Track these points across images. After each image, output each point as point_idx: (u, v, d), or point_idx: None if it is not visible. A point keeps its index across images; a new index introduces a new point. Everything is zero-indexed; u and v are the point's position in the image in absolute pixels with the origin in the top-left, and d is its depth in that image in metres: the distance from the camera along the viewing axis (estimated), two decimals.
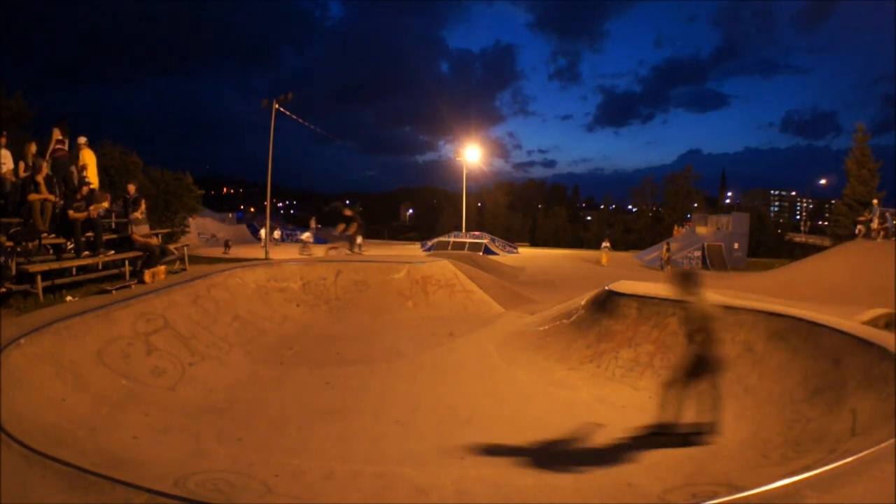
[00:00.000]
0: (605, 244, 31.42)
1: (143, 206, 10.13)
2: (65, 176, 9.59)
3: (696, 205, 56.47)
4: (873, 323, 7.00)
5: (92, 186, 9.34)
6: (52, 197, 8.31)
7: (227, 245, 20.64)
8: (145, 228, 9.57)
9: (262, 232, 31.12)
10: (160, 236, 10.45)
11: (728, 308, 6.10)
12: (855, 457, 2.89)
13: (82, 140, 10.41)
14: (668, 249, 26.22)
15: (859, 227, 19.12)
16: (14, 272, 6.85)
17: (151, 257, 9.21)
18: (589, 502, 3.53)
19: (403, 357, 7.25)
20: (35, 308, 6.45)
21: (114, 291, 7.33)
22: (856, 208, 30.59)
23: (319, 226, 39.00)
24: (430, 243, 38.51)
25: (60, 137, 9.66)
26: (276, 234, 35.70)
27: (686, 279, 4.54)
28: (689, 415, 4.37)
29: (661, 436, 4.37)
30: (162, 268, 8.90)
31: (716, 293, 7.49)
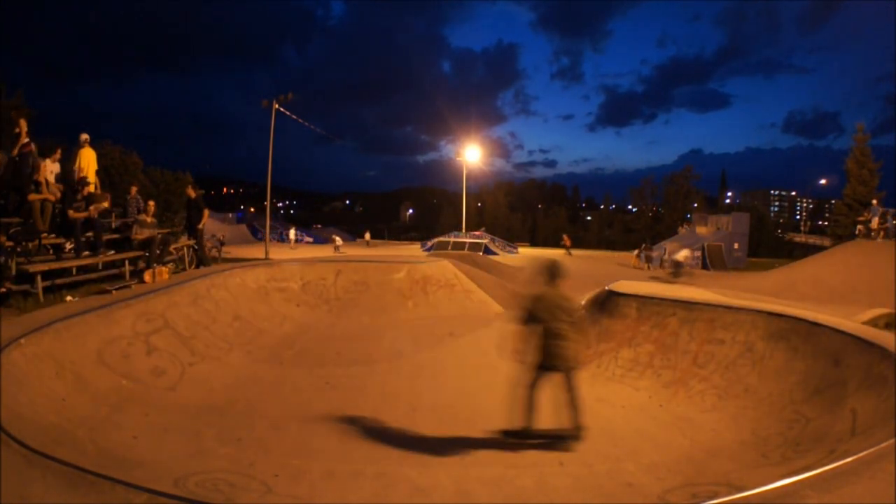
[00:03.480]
0: (565, 241, 38.06)
1: (153, 208, 10.10)
2: (32, 171, 9.10)
3: (696, 205, 56.50)
4: (873, 323, 7.00)
5: (90, 189, 9.30)
6: (51, 197, 8.31)
7: (220, 243, 20.70)
8: (147, 231, 9.56)
9: (292, 233, 36.12)
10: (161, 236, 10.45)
11: (728, 308, 6.11)
12: (855, 457, 2.89)
13: (84, 138, 10.32)
14: (650, 248, 28.98)
15: (859, 227, 19.12)
16: (14, 272, 6.86)
17: (165, 248, 9.37)
18: (589, 502, 3.53)
19: (403, 357, 7.24)
20: (35, 308, 6.44)
21: (114, 291, 7.32)
22: (856, 208, 30.61)
23: (319, 225, 40.44)
24: (430, 243, 38.54)
25: (26, 130, 9.36)
26: (338, 239, 37.07)
27: (550, 270, 4.41)
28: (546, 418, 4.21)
29: (516, 438, 4.21)
30: (166, 268, 8.89)
31: (716, 293, 7.49)
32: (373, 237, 47.18)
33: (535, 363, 4.20)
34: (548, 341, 4.12)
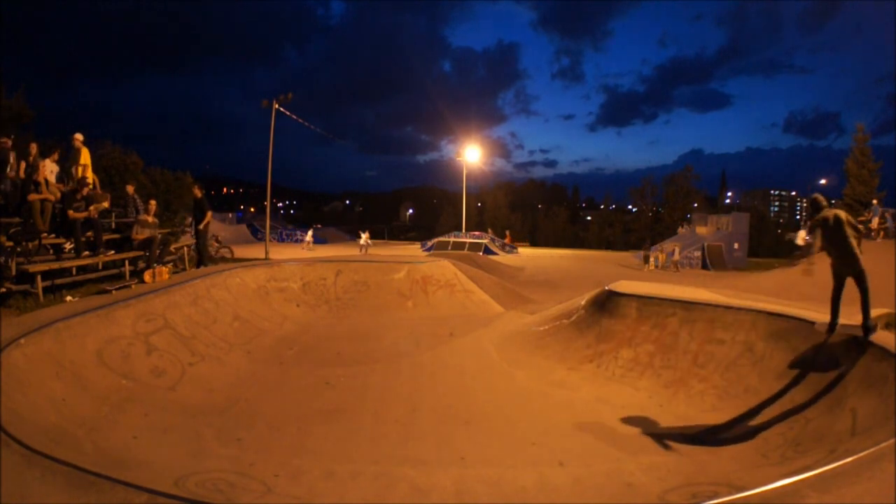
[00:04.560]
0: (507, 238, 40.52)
1: (154, 208, 10.08)
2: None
3: (696, 205, 56.43)
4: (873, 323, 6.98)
5: (90, 187, 9.29)
6: (51, 197, 8.30)
7: (217, 242, 20.60)
8: (147, 231, 9.56)
9: (309, 234, 35.56)
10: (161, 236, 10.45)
11: (728, 308, 6.11)
12: (855, 457, 2.90)
13: (79, 137, 10.24)
14: (649, 248, 29.43)
15: (859, 227, 19.09)
16: (14, 272, 6.86)
17: (165, 248, 9.36)
18: (589, 502, 3.53)
19: (403, 357, 7.24)
20: (35, 308, 6.44)
21: (114, 291, 7.32)
22: (856, 208, 30.58)
23: (319, 226, 40.35)
24: (430, 243, 38.52)
25: None
26: (363, 237, 36.38)
27: (813, 204, 5.26)
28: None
29: (831, 332, 4.98)
30: (165, 268, 8.89)
31: (715, 293, 7.48)
32: (372, 237, 46.94)
33: (836, 273, 4.99)
34: (843, 253, 4.87)
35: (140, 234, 9.51)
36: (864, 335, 4.73)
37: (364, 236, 35.61)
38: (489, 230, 43.51)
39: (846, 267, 4.87)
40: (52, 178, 9.00)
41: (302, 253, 26.28)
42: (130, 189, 11.44)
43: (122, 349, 5.57)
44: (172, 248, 10.89)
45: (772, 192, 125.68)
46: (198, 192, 11.19)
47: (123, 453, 3.79)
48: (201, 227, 10.74)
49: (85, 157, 10.30)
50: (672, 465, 3.97)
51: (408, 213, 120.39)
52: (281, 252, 24.02)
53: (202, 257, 10.91)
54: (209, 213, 10.87)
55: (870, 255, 5.15)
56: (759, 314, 5.76)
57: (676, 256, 26.55)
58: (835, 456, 3.22)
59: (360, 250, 31.33)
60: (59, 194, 8.67)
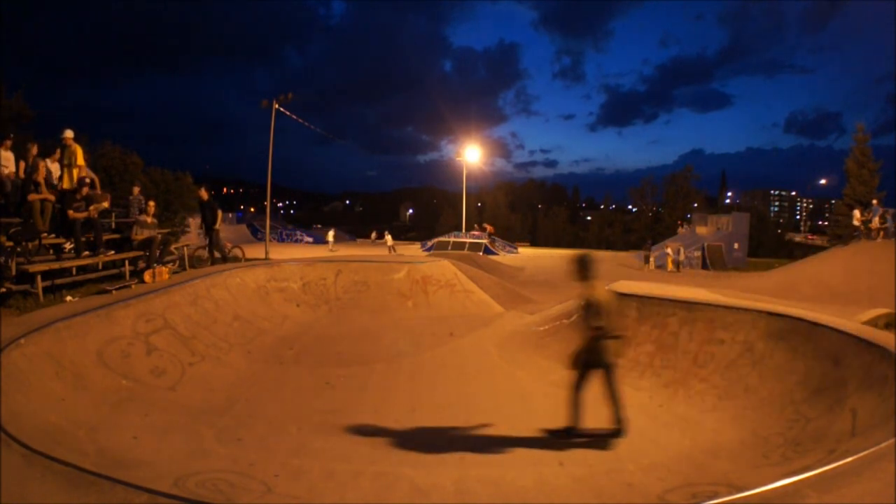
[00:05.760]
0: (488, 228, 40.84)
1: (153, 208, 10.09)
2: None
3: (696, 205, 56.52)
4: (873, 323, 6.99)
5: (88, 183, 9.22)
6: (51, 196, 8.30)
7: (229, 243, 20.78)
8: (147, 232, 9.56)
9: (330, 234, 36.21)
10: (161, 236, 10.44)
11: (728, 308, 6.11)
12: (855, 457, 2.89)
13: (69, 135, 9.77)
14: (649, 248, 29.68)
15: (860, 226, 19.10)
16: (14, 272, 6.85)
17: (165, 248, 9.39)
18: (589, 502, 3.53)
19: (403, 357, 7.24)
20: (35, 308, 6.44)
21: (114, 291, 7.32)
22: (856, 208, 30.59)
23: (319, 225, 40.92)
24: (430, 243, 38.54)
25: None
26: (389, 238, 36.83)
27: (581, 264, 4.31)
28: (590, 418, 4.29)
29: (562, 438, 4.30)
30: (165, 268, 8.89)
31: (716, 293, 7.48)
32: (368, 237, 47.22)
33: (582, 362, 4.31)
34: (593, 340, 4.18)
35: (139, 235, 9.51)
36: (602, 437, 4.18)
37: (382, 236, 36.18)
38: (475, 226, 43.53)
39: (599, 356, 4.15)
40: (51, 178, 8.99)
41: (328, 254, 26.26)
42: (136, 190, 11.48)
43: (122, 349, 5.57)
44: (172, 248, 10.90)
45: (772, 192, 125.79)
46: (204, 195, 11.34)
47: (123, 453, 3.79)
48: (217, 226, 10.95)
49: (79, 155, 10.15)
50: (672, 465, 3.97)
51: (408, 213, 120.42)
52: (286, 252, 23.97)
53: (221, 254, 11.08)
54: (220, 213, 11.09)
55: (870, 255, 5.12)
56: (759, 314, 5.75)
57: (682, 256, 26.67)
58: (835, 456, 3.22)
59: (389, 251, 31.68)
60: (56, 194, 8.67)
